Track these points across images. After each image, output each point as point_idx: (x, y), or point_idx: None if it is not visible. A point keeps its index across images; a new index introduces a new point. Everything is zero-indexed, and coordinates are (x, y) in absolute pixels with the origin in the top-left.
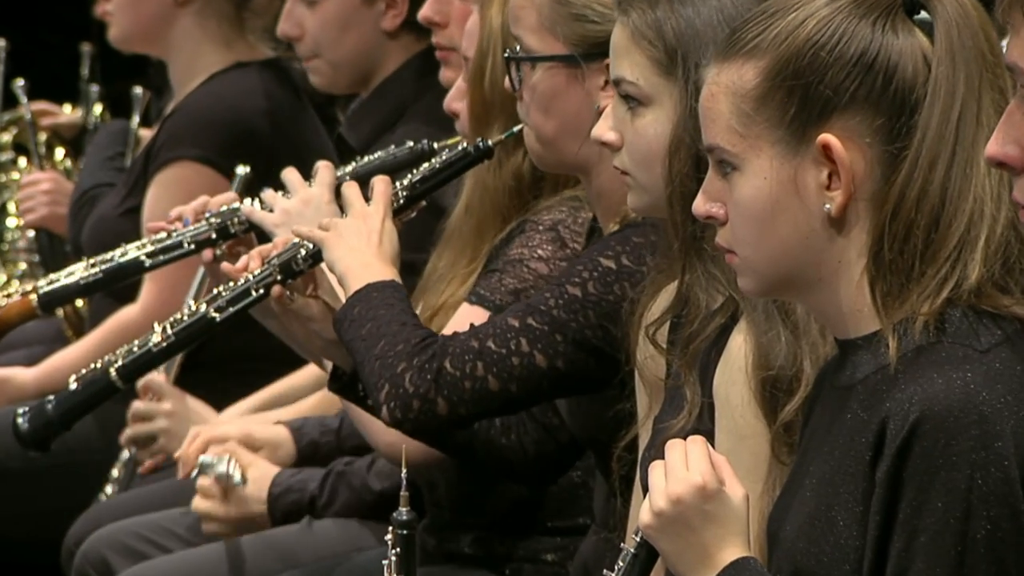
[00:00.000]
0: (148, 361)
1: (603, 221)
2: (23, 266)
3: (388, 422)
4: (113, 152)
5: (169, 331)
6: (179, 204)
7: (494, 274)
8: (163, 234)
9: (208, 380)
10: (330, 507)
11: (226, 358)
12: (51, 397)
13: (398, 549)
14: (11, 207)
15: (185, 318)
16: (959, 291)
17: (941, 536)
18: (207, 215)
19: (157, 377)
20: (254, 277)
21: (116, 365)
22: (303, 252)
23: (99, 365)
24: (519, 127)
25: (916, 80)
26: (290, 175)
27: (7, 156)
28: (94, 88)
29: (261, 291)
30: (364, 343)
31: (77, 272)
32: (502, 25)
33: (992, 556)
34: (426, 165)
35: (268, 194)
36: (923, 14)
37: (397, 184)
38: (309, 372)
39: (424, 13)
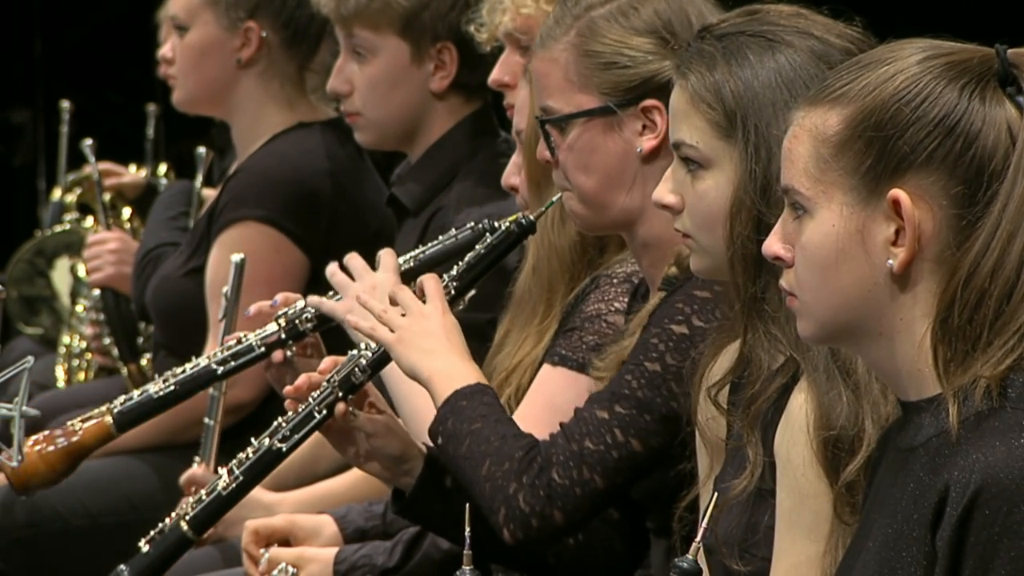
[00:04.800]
0: (219, 506)
1: (650, 273)
2: (89, 330)
3: (509, 543)
4: (176, 212)
5: (236, 471)
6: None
7: (573, 332)
8: (232, 340)
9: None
10: (400, 571)
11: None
12: (123, 567)
13: None
14: (80, 267)
15: (250, 455)
16: (1022, 362)
17: None
18: (276, 315)
19: (198, 470)
20: (314, 399)
21: (187, 517)
22: (362, 363)
23: (168, 522)
24: (558, 196)
25: (996, 150)
26: (354, 261)
27: (73, 216)
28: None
29: (324, 412)
30: (468, 462)
31: (150, 388)
32: None
33: None
34: (471, 253)
35: (332, 269)
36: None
37: (445, 276)
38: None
39: (495, 76)
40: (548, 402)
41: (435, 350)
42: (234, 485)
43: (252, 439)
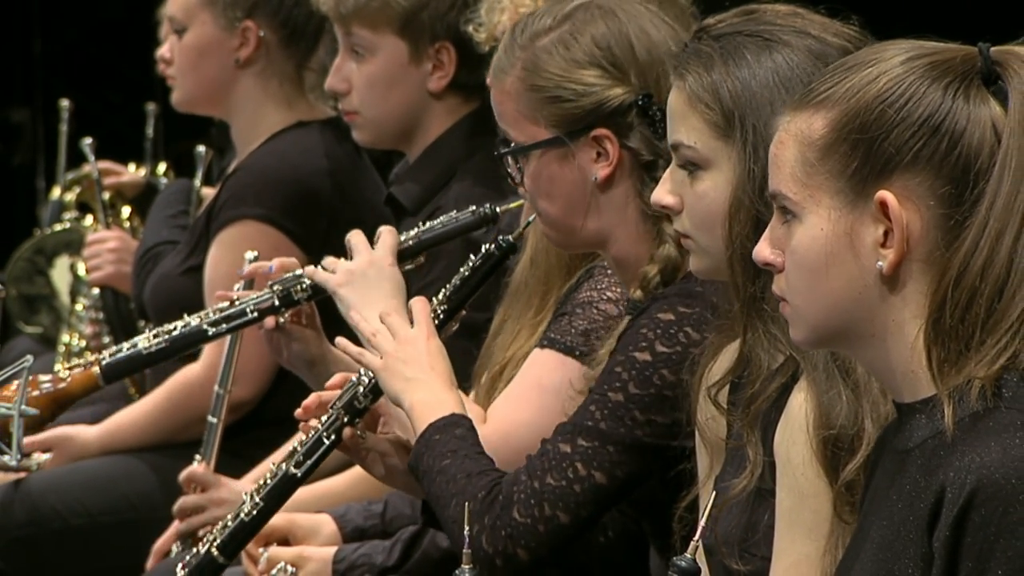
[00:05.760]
0: (244, 530)
1: (628, 287)
2: (88, 329)
3: None
4: (176, 210)
5: (257, 498)
6: (240, 263)
7: (564, 317)
8: (225, 303)
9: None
10: (399, 570)
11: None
12: None
13: None
14: (80, 265)
15: (268, 481)
16: (1016, 361)
17: None
18: (270, 282)
19: (198, 468)
20: (322, 425)
21: (216, 543)
22: (361, 389)
23: (200, 548)
24: (533, 216)
25: (982, 149)
26: (356, 238)
27: (72, 215)
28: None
29: (333, 437)
30: (438, 501)
31: (140, 343)
32: None
33: None
34: (456, 277)
35: (329, 260)
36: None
37: (433, 300)
38: None
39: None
40: (536, 382)
41: (416, 379)
42: (255, 512)
43: (271, 464)
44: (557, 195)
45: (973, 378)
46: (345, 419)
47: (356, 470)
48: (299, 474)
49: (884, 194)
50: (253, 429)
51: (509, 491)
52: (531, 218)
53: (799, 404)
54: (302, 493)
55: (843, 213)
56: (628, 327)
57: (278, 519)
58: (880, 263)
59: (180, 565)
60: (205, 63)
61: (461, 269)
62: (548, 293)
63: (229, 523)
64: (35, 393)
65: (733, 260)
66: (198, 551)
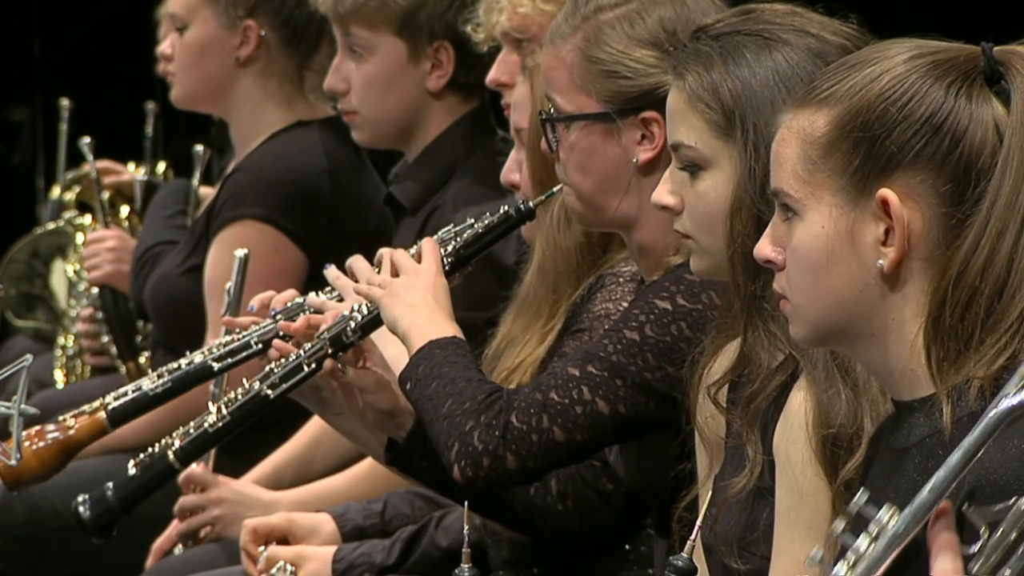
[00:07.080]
0: (205, 441)
1: (647, 275)
2: (80, 327)
3: (459, 480)
4: (174, 210)
5: (224, 411)
6: None
7: (583, 333)
8: (227, 336)
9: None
10: (398, 569)
11: None
12: (110, 484)
13: None
14: (69, 268)
15: (239, 397)
16: (1015, 360)
17: None
18: (272, 312)
19: (197, 469)
20: (305, 352)
21: (174, 448)
22: (352, 324)
23: (156, 449)
24: (559, 187)
25: (984, 148)
26: (358, 263)
27: (72, 214)
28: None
29: (313, 365)
30: (431, 403)
31: (144, 384)
32: None
33: None
34: (469, 231)
35: (333, 272)
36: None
37: (442, 251)
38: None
39: (492, 76)
40: None
41: (418, 306)
42: (221, 424)
43: (244, 380)
44: (592, 170)
45: (972, 378)
46: (330, 350)
47: (356, 470)
48: (272, 395)
49: (886, 192)
50: (252, 429)
51: (510, 398)
52: (555, 188)
53: (798, 403)
54: (301, 493)
55: (844, 211)
56: (651, 283)
57: (277, 519)
58: (881, 261)
59: (132, 462)
60: (205, 61)
61: (476, 225)
62: (558, 302)
63: (192, 431)
64: (42, 444)
65: (734, 259)
66: (154, 452)
